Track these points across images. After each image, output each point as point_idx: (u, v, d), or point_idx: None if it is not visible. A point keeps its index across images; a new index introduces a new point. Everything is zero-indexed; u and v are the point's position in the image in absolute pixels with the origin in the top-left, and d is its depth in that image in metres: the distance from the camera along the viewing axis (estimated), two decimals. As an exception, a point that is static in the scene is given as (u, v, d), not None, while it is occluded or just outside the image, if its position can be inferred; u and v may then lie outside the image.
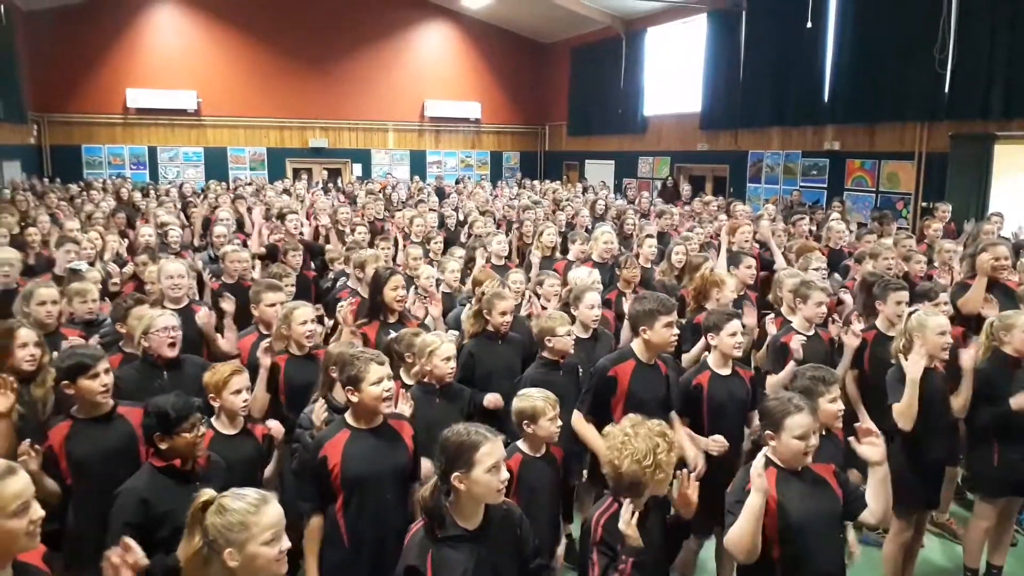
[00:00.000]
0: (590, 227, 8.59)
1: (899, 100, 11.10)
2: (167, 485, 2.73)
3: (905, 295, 4.51)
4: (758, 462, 2.60)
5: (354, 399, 2.99)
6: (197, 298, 5.24)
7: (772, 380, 4.28)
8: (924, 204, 11.01)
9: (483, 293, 4.47)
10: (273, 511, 2.08)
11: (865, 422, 4.27)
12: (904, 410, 3.65)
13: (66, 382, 3.14)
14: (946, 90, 10.31)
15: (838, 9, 12.19)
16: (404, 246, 6.85)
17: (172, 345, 3.77)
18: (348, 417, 3.04)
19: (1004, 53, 9.72)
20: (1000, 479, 3.96)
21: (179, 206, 10.61)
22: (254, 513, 2.04)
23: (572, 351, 4.04)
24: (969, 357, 3.90)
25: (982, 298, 5.00)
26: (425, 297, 5.15)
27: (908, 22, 10.76)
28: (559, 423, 3.15)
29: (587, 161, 19.84)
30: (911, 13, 10.70)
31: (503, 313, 4.27)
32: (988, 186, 10.25)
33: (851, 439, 2.78)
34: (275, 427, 3.46)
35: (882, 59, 11.25)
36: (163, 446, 2.78)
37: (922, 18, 10.41)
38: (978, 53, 9.95)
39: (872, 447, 2.70)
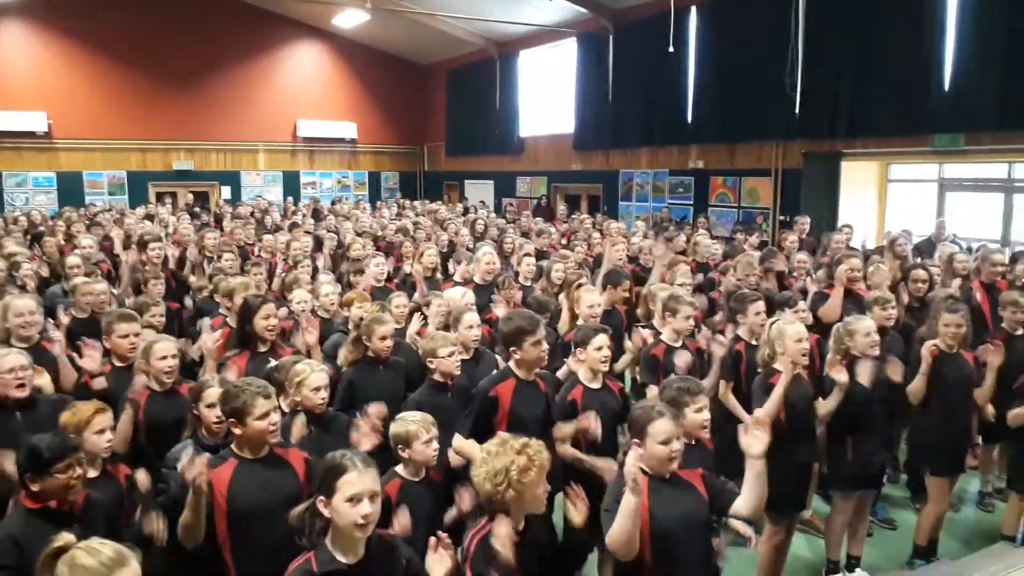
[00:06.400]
0: (471, 247, 8.62)
1: (755, 121, 11.81)
2: (42, 527, 2.51)
3: (762, 305, 4.77)
4: (633, 462, 2.60)
5: (237, 431, 2.86)
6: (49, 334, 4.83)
7: (654, 394, 4.41)
8: (782, 217, 11.78)
9: (361, 319, 4.38)
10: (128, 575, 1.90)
11: (755, 416, 4.48)
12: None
13: None
14: (796, 111, 11.05)
15: (697, 35, 12.88)
16: (284, 271, 6.62)
17: (21, 386, 3.49)
18: (234, 447, 2.91)
19: (848, 76, 10.55)
20: (855, 474, 4.23)
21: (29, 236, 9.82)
22: (106, 575, 1.87)
23: (458, 372, 4.01)
24: (866, 374, 4.10)
25: (840, 306, 5.36)
26: (297, 319, 4.96)
27: (759, 48, 11.48)
28: (436, 446, 3.12)
29: (467, 181, 19.95)
30: (762, 39, 11.42)
31: (383, 338, 4.20)
32: (837, 199, 11.09)
33: (739, 427, 2.78)
34: (141, 477, 3.21)
35: (738, 82, 11.94)
36: (35, 488, 2.63)
37: (772, 44, 11.12)
38: (824, 77, 10.76)
39: (754, 440, 2.70)
